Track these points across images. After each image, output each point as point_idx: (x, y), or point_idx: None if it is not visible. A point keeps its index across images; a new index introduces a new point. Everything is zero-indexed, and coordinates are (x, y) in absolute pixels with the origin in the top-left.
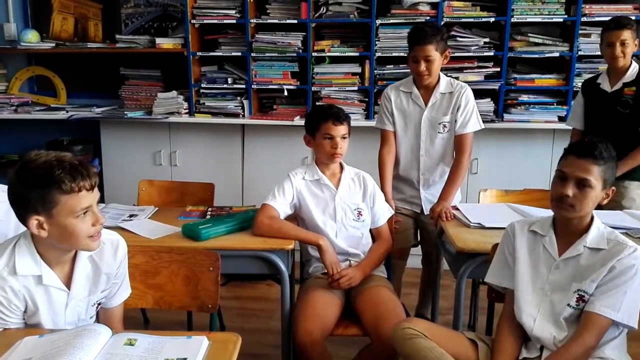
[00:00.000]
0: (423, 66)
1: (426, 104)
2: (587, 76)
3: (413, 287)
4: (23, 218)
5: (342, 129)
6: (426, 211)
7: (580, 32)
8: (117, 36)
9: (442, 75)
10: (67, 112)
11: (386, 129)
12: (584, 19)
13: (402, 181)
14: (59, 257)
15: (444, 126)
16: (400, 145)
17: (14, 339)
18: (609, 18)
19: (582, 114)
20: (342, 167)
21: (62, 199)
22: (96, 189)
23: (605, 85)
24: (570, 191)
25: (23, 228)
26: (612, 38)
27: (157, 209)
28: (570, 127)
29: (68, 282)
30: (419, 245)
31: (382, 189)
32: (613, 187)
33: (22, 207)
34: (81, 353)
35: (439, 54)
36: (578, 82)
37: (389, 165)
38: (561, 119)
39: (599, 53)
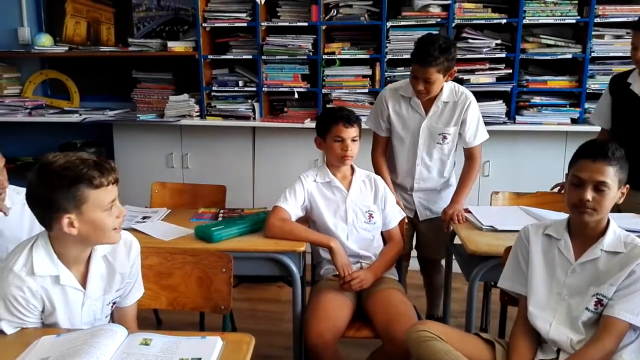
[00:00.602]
0: (422, 86)
1: (427, 112)
2: (600, 78)
3: (422, 289)
4: (50, 219)
5: (352, 132)
6: (421, 217)
7: (594, 33)
8: (130, 40)
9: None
10: (80, 115)
11: (379, 134)
12: (597, 20)
13: (398, 186)
14: (76, 257)
15: (444, 137)
16: (396, 152)
17: (32, 338)
18: (623, 19)
19: (609, 113)
20: (353, 170)
21: (91, 194)
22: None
23: (636, 87)
24: (589, 195)
25: (36, 230)
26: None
27: (169, 210)
28: (595, 125)
29: (83, 282)
30: (417, 251)
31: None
32: (627, 185)
33: (50, 209)
34: (98, 352)
35: (440, 76)
36: (591, 84)
37: (385, 167)
38: (574, 121)
39: (612, 54)
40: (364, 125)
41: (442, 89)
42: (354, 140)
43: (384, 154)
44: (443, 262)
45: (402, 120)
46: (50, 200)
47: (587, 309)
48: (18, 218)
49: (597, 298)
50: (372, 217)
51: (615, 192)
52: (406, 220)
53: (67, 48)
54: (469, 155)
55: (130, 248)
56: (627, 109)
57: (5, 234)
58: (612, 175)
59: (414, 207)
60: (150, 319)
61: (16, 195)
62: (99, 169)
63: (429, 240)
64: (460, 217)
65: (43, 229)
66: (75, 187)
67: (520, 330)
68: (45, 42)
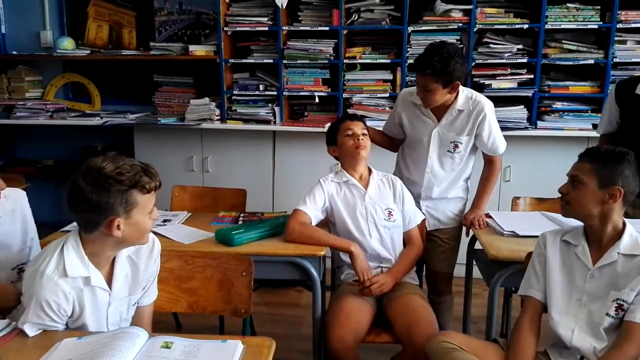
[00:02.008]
0: (421, 94)
1: (438, 119)
2: None
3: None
4: (98, 222)
5: (360, 125)
6: (429, 227)
7: (616, 38)
8: (151, 43)
9: (462, 88)
10: (101, 118)
11: (390, 135)
12: (620, 25)
13: None
14: (107, 257)
15: (456, 146)
16: (408, 156)
17: (53, 341)
18: None
19: (612, 121)
20: (370, 171)
21: (141, 199)
22: None
23: None
24: (564, 188)
25: (30, 236)
26: None
27: (190, 214)
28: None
29: (109, 283)
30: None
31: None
32: (618, 187)
33: (102, 212)
34: (119, 355)
35: (439, 86)
36: None
37: (377, 135)
38: (595, 127)
39: (635, 60)
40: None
41: (457, 97)
42: (363, 135)
43: (382, 136)
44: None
45: (413, 126)
46: (106, 203)
47: (607, 314)
48: (7, 227)
49: (617, 303)
50: (392, 215)
51: (593, 190)
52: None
53: (89, 51)
54: (488, 159)
55: (152, 247)
56: (636, 117)
57: None
58: (587, 172)
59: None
60: (170, 323)
61: (4, 201)
62: (148, 176)
63: (436, 252)
64: (482, 222)
65: (35, 236)
66: (128, 192)
67: (524, 330)
68: (67, 45)
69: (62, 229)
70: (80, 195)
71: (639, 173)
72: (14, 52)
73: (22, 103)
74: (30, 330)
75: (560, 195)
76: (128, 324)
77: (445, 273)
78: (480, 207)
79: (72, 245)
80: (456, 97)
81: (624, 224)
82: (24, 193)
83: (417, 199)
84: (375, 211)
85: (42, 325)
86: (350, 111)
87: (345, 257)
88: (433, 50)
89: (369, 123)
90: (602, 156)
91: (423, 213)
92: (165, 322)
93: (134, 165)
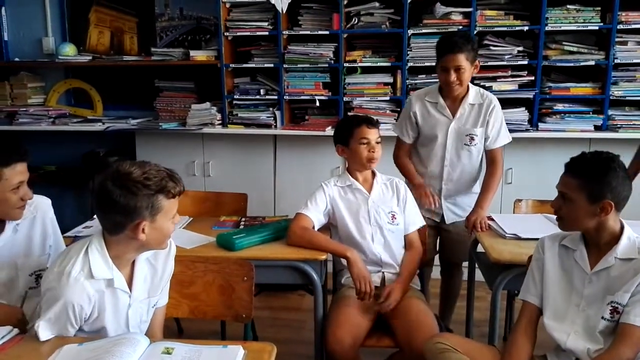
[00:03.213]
0: (453, 76)
1: (453, 115)
2: (623, 85)
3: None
4: (124, 225)
5: (376, 133)
6: (447, 220)
7: (617, 39)
8: (152, 49)
9: (470, 84)
10: (103, 123)
11: (404, 139)
12: (620, 26)
13: None
14: (129, 260)
15: (472, 138)
16: (424, 155)
17: (54, 347)
18: None
19: None
20: (374, 174)
21: (166, 204)
22: None
23: None
24: (555, 204)
25: (49, 243)
26: None
27: (191, 219)
28: None
29: (129, 285)
30: (438, 255)
31: (415, 181)
32: (608, 201)
33: (130, 215)
34: None
35: (469, 64)
36: (614, 91)
37: (407, 162)
38: (597, 128)
39: (636, 61)
40: (389, 133)
41: (468, 91)
42: (377, 143)
43: (408, 158)
44: (464, 265)
45: (429, 124)
46: (134, 207)
47: (603, 317)
48: (27, 232)
49: (612, 306)
50: (395, 219)
51: (583, 204)
52: (427, 226)
53: (90, 57)
54: (491, 159)
55: (169, 250)
56: None
57: (15, 250)
58: (573, 188)
59: (441, 211)
60: (172, 328)
61: (26, 207)
62: (173, 181)
63: (453, 244)
64: (484, 224)
65: (54, 243)
66: (155, 196)
67: (520, 335)
68: (69, 51)
69: (65, 235)
70: (108, 198)
71: (628, 177)
72: (17, 59)
73: (24, 109)
74: (44, 334)
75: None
76: (147, 326)
77: (461, 261)
78: (483, 207)
79: (97, 247)
80: (467, 91)
81: (622, 227)
82: (49, 201)
83: (438, 196)
84: (379, 215)
85: (59, 327)
86: (353, 113)
87: (345, 262)
88: (453, 34)
89: None
90: (587, 169)
91: (443, 207)
92: (167, 327)
93: (160, 170)
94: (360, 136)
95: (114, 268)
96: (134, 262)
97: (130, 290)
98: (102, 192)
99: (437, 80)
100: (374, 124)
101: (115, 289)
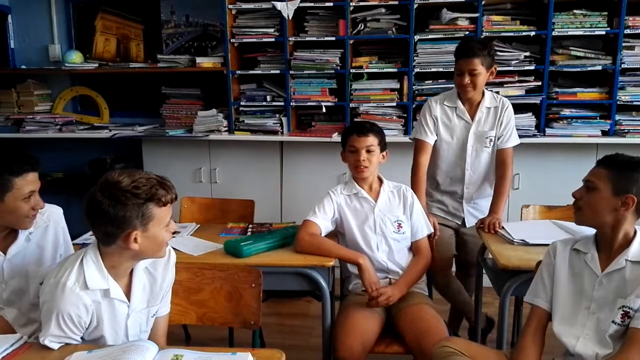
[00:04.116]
0: (467, 79)
1: (472, 119)
2: (631, 90)
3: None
4: (116, 236)
5: (366, 141)
6: (468, 224)
7: (624, 44)
8: (159, 56)
9: (485, 89)
10: (110, 131)
11: (426, 140)
12: (627, 31)
13: (445, 194)
14: (125, 270)
15: (490, 140)
16: (444, 159)
17: (64, 355)
18: None
19: None
20: (381, 181)
21: (157, 212)
22: None
23: None
24: (577, 193)
25: (60, 252)
26: None
27: (199, 225)
28: None
29: (127, 295)
30: (457, 256)
31: (419, 198)
32: (632, 196)
33: (120, 225)
34: None
35: (484, 69)
36: (621, 96)
37: (424, 175)
38: (605, 133)
39: None
40: (396, 139)
41: (483, 96)
42: (369, 151)
43: (427, 162)
44: None
45: (449, 129)
46: (123, 217)
47: (614, 321)
48: (39, 241)
49: (623, 310)
50: (401, 227)
51: (607, 196)
52: (442, 231)
53: (97, 65)
54: (502, 160)
55: (168, 258)
56: None
57: (27, 258)
58: (602, 178)
59: (461, 215)
60: (179, 335)
61: (39, 217)
62: (164, 189)
63: (473, 246)
64: (498, 225)
65: (65, 252)
66: (145, 205)
67: (528, 339)
68: (75, 59)
69: (74, 242)
70: (98, 209)
71: None
72: (23, 67)
73: (31, 117)
74: (54, 344)
75: (573, 200)
76: (147, 336)
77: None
78: (497, 212)
79: (92, 258)
80: (483, 95)
81: (635, 232)
82: (61, 210)
83: (458, 198)
84: (385, 224)
85: (64, 337)
86: (359, 120)
87: (353, 269)
88: (469, 39)
89: None
90: (619, 164)
91: (464, 211)
92: (175, 334)
93: (150, 178)
94: (349, 144)
95: (109, 278)
96: (132, 271)
97: (129, 300)
98: (91, 203)
99: (444, 86)
100: (366, 131)
101: (112, 299)
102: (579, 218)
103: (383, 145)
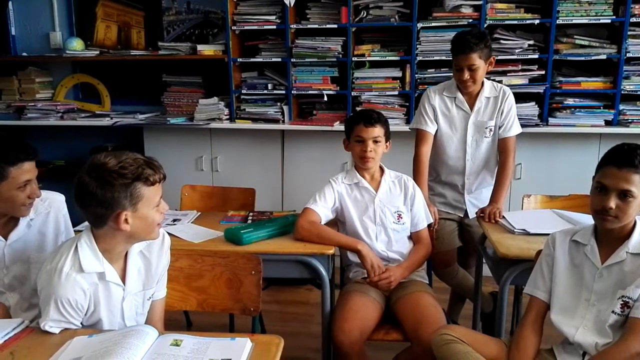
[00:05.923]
0: (467, 75)
1: (471, 109)
2: (635, 79)
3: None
4: (106, 217)
5: (373, 132)
6: (471, 215)
7: (629, 33)
8: (160, 43)
9: (484, 78)
10: (111, 118)
11: (427, 129)
12: (633, 19)
13: (446, 186)
14: (119, 253)
15: (490, 130)
16: (444, 150)
17: (65, 339)
18: None
19: None
20: (382, 171)
21: (146, 192)
22: None
23: None
24: (613, 203)
25: (62, 238)
26: None
27: (199, 213)
28: None
29: (122, 278)
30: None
31: (420, 187)
32: None
33: (109, 207)
34: (129, 353)
35: (482, 62)
36: (626, 85)
37: (426, 165)
38: (608, 123)
39: None
40: (398, 128)
41: (483, 85)
42: (376, 142)
43: (429, 152)
44: None
45: (448, 119)
46: (111, 198)
47: (613, 312)
48: (40, 228)
49: (623, 300)
50: (401, 218)
51: None
52: (444, 223)
53: (98, 52)
54: (503, 149)
55: (163, 241)
56: None
57: (29, 245)
58: (637, 183)
59: (463, 207)
60: (181, 321)
61: (40, 204)
62: (152, 168)
63: (475, 236)
64: (498, 215)
65: (67, 237)
66: (133, 185)
67: (527, 329)
68: (76, 46)
69: (75, 228)
70: (85, 191)
71: None
72: (24, 54)
73: (32, 104)
74: (54, 330)
75: (600, 209)
76: (144, 319)
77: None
78: (498, 201)
79: (86, 242)
80: (482, 85)
81: (635, 222)
82: (63, 197)
83: (460, 190)
84: (385, 215)
85: (64, 322)
86: (364, 108)
87: (352, 257)
88: (466, 33)
89: None
90: None
91: (466, 202)
92: (176, 320)
93: (137, 159)
94: (355, 133)
95: (104, 261)
96: (127, 255)
97: (124, 283)
98: (79, 186)
99: (447, 74)
100: (374, 122)
101: (108, 282)
102: (612, 224)
103: (388, 135)
